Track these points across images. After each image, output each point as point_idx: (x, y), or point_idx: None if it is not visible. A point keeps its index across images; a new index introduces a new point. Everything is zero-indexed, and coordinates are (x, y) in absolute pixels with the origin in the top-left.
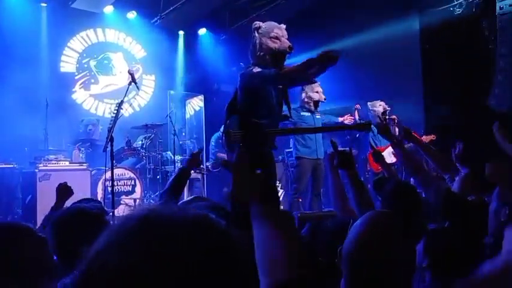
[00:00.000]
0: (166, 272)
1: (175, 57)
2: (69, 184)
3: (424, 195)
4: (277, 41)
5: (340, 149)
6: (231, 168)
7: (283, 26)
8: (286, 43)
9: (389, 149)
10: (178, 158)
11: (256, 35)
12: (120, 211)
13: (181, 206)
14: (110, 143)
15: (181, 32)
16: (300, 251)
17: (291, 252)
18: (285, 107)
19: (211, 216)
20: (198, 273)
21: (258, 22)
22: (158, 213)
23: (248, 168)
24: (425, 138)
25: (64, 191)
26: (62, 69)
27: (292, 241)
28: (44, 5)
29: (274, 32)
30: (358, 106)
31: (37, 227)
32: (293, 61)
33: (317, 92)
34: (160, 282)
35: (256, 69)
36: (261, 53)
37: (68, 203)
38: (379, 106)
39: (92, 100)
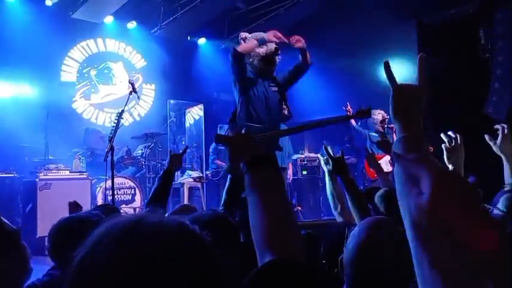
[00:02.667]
0: (151, 273)
1: (175, 66)
2: (69, 193)
3: None
4: (264, 45)
5: (332, 155)
6: (223, 142)
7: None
8: (273, 45)
9: (387, 158)
10: None
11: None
12: None
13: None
14: (110, 152)
15: (180, 42)
16: (291, 227)
17: (279, 226)
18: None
19: (190, 226)
20: (176, 274)
21: (243, 33)
22: (144, 219)
23: (243, 142)
24: None
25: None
26: (63, 79)
27: (282, 214)
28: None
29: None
30: (350, 109)
31: (38, 236)
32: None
33: None
34: (145, 283)
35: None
36: (250, 60)
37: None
38: (378, 114)
39: (92, 109)
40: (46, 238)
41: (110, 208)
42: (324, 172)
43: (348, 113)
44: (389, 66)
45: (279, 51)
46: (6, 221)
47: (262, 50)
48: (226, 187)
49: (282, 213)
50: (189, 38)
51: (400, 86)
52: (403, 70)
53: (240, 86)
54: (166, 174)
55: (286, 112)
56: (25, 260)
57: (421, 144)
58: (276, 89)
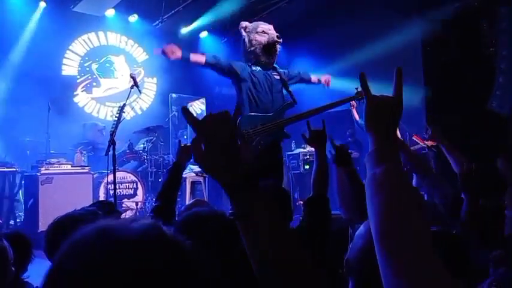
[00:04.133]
0: (119, 282)
1: (177, 60)
2: (71, 187)
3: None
4: (265, 34)
5: (337, 144)
6: (192, 124)
7: (271, 27)
8: (274, 34)
9: None
10: None
11: (244, 33)
12: (123, 215)
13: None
14: (111, 146)
15: (181, 35)
16: (294, 255)
17: (281, 259)
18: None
19: (162, 228)
20: (148, 282)
21: (243, 22)
22: (112, 226)
23: (226, 135)
24: (428, 143)
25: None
26: (64, 73)
27: (281, 244)
28: (43, 4)
29: (261, 27)
30: (354, 103)
31: (39, 230)
32: (294, 63)
33: None
34: None
35: None
36: (252, 48)
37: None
38: None
39: (94, 103)
40: None
41: (106, 204)
42: (331, 166)
43: (353, 108)
44: (364, 78)
45: (280, 39)
46: None
47: (264, 39)
48: (231, 209)
49: (282, 238)
50: (182, 31)
51: (374, 97)
52: (406, 64)
53: (236, 80)
54: (175, 167)
55: (290, 98)
56: (4, 262)
57: (392, 156)
58: (278, 77)
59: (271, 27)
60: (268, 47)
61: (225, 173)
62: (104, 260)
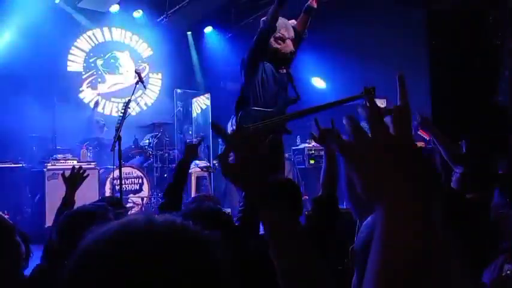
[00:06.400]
0: (147, 273)
1: (182, 55)
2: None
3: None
4: (282, 42)
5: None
6: (224, 138)
7: (293, 23)
8: (289, 47)
9: None
10: None
11: None
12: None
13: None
14: (117, 142)
15: (187, 31)
16: (314, 268)
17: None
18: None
19: (182, 224)
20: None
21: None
22: (135, 220)
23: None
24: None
25: (71, 179)
26: (69, 69)
27: (301, 259)
28: (57, 1)
29: (281, 33)
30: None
31: (46, 226)
32: (296, 59)
33: None
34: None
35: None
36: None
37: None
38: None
39: (99, 99)
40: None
41: (115, 200)
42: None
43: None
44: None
45: (292, 56)
46: (4, 215)
47: (277, 46)
48: (240, 206)
49: (302, 249)
50: (189, 33)
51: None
52: (411, 59)
53: (252, 67)
54: (181, 165)
55: (294, 94)
56: (18, 258)
57: None
58: (284, 70)
59: (291, 34)
60: (276, 56)
61: (256, 185)
62: (152, 251)
